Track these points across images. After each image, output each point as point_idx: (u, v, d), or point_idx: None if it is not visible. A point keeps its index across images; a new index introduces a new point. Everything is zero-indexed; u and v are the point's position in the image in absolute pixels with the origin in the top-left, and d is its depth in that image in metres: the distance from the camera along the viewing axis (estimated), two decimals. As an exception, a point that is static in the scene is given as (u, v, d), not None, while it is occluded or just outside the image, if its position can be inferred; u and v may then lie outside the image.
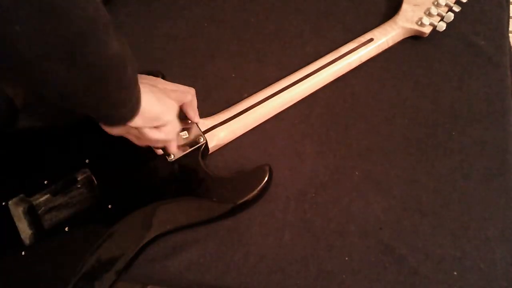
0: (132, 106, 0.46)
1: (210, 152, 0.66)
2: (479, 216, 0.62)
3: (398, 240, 0.61)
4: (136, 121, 0.48)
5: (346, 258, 0.60)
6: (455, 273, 0.59)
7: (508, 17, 0.81)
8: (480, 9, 0.80)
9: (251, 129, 0.69)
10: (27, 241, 0.56)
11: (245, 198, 0.60)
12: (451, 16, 0.73)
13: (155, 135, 0.52)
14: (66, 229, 0.56)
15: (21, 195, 0.58)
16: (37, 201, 0.58)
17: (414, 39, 0.77)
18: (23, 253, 0.55)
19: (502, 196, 0.64)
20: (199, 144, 0.62)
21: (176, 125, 0.56)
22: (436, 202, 0.63)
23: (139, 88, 0.47)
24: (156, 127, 0.52)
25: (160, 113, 0.51)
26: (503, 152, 0.67)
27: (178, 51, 0.77)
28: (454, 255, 0.60)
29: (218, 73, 0.74)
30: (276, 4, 0.82)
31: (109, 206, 0.58)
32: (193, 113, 0.62)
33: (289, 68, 0.72)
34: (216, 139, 0.65)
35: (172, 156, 0.61)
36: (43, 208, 0.58)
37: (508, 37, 0.78)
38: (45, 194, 0.59)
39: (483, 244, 0.60)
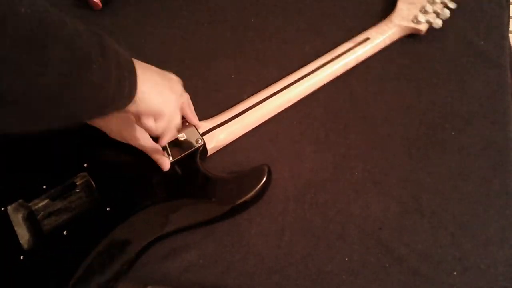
0: (123, 99, 0.44)
1: (209, 154, 0.66)
2: (479, 216, 0.62)
3: (398, 240, 0.61)
4: (131, 108, 0.46)
5: (346, 259, 0.60)
6: (455, 273, 0.58)
7: (508, 17, 0.80)
8: (480, 9, 0.80)
9: (250, 130, 0.69)
10: (26, 246, 0.55)
11: (244, 198, 0.60)
12: (447, 12, 0.73)
13: (150, 124, 0.51)
14: (65, 233, 0.56)
15: (20, 200, 0.58)
16: (36, 206, 0.58)
17: (414, 39, 0.77)
18: (21, 257, 0.54)
19: (502, 196, 0.63)
20: (197, 146, 0.62)
21: (176, 120, 0.55)
22: (436, 202, 0.63)
23: (132, 79, 0.44)
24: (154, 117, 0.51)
25: (158, 105, 0.50)
26: (503, 152, 0.67)
27: (177, 52, 0.77)
28: (454, 255, 0.60)
29: (217, 74, 0.74)
30: (276, 4, 0.82)
31: (108, 209, 0.57)
32: (192, 115, 0.63)
33: (289, 68, 0.72)
34: (215, 141, 0.65)
35: (170, 158, 0.61)
36: (42, 213, 0.58)
37: (508, 37, 0.78)
38: (44, 199, 0.59)
39: (483, 244, 0.60)
